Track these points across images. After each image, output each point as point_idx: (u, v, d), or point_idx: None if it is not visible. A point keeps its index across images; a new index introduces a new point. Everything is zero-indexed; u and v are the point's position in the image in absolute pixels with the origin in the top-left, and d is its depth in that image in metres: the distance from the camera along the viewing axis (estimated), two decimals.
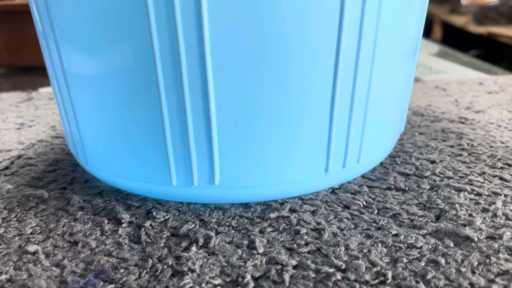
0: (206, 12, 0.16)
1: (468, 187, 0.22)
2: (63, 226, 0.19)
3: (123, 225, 0.19)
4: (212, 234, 0.18)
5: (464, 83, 0.41)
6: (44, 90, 0.43)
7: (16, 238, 0.19)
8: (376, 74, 0.19)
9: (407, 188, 0.22)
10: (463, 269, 0.16)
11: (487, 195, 0.21)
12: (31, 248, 0.18)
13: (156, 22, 0.16)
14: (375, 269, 0.16)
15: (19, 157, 0.26)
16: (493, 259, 0.17)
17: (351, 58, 0.18)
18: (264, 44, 0.16)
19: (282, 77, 0.17)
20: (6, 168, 0.25)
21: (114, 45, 0.17)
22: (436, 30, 1.56)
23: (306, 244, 0.18)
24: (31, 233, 0.19)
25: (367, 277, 0.16)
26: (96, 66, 0.18)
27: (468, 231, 0.18)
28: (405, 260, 0.17)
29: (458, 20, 1.47)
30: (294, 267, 0.16)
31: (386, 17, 0.18)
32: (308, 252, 0.17)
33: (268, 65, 0.17)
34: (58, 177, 0.24)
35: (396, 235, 0.18)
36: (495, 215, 0.19)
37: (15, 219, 0.20)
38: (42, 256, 0.17)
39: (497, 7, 1.43)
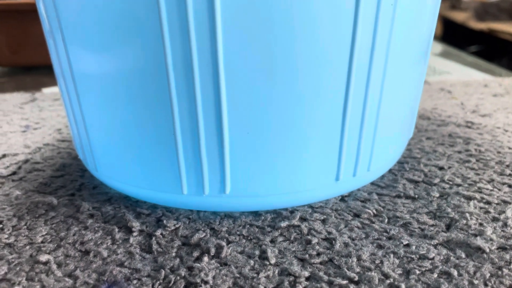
0: (220, 24, 0.16)
1: (477, 195, 0.22)
2: (73, 235, 0.19)
3: (134, 234, 0.19)
4: (224, 243, 0.18)
5: (469, 85, 0.41)
6: (47, 91, 0.43)
7: (27, 247, 0.18)
8: (388, 80, 0.19)
9: (416, 196, 0.22)
10: (475, 281, 0.16)
11: (497, 204, 0.21)
12: (43, 257, 0.18)
13: (169, 32, 0.16)
14: (388, 281, 0.16)
15: (26, 161, 0.26)
16: (505, 271, 0.17)
17: (363, 66, 0.18)
18: (276, 55, 0.16)
19: (294, 87, 0.17)
20: (14, 173, 0.25)
21: (125, 48, 0.17)
22: (436, 26, 1.55)
23: (318, 254, 0.18)
24: (42, 242, 0.19)
25: None
26: (105, 69, 0.18)
27: (479, 241, 0.18)
28: (417, 272, 0.17)
29: (459, 16, 1.46)
30: (307, 279, 0.16)
31: (400, 21, 0.18)
32: (320, 263, 0.17)
33: (280, 76, 0.17)
34: (66, 183, 0.24)
35: (408, 245, 0.18)
36: (505, 224, 0.19)
37: (25, 227, 0.20)
38: (54, 266, 0.17)
39: (497, 3, 1.43)
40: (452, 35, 1.45)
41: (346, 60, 0.17)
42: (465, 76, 0.45)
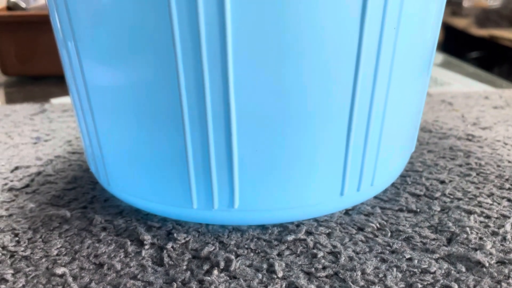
0: (230, 45, 0.16)
1: (477, 209, 0.22)
2: (87, 248, 0.20)
3: (146, 247, 0.20)
4: (232, 257, 0.19)
5: (470, 96, 0.41)
6: (56, 101, 0.44)
7: (43, 260, 0.19)
8: (392, 96, 0.20)
9: (418, 209, 0.23)
10: None
11: (496, 218, 0.22)
12: (59, 270, 0.18)
13: (181, 48, 0.17)
14: None
15: (38, 174, 0.27)
16: (504, 285, 0.17)
17: (368, 84, 0.19)
18: (285, 75, 0.17)
19: (301, 106, 0.18)
20: (27, 186, 0.26)
21: (138, 62, 0.18)
22: None
23: (324, 268, 0.18)
24: (57, 255, 0.20)
25: None
26: (118, 82, 0.19)
27: (479, 256, 0.19)
28: (419, 286, 0.17)
29: (460, 23, 1.47)
30: None
31: (402, 40, 0.19)
32: (326, 277, 0.18)
33: (288, 95, 0.18)
34: (79, 196, 0.25)
35: (410, 259, 0.19)
36: (504, 238, 0.20)
37: (41, 239, 0.21)
38: (70, 279, 0.18)
39: (498, 10, 1.43)
40: (453, 41, 1.45)
41: (351, 80, 0.18)
42: (466, 87, 0.46)
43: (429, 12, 0.20)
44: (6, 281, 0.18)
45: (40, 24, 0.49)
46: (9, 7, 0.54)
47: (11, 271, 0.18)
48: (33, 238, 0.21)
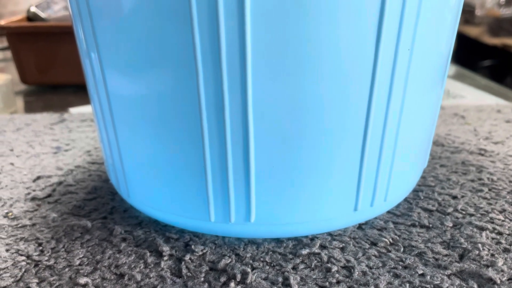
0: (250, 62, 0.17)
1: (489, 226, 0.23)
2: (108, 258, 0.21)
3: (164, 258, 0.21)
4: (248, 270, 0.20)
5: (483, 110, 0.42)
6: (74, 111, 0.45)
7: (67, 269, 0.20)
8: (406, 112, 0.20)
9: (430, 225, 0.23)
10: None
11: (508, 234, 0.22)
12: (82, 280, 0.19)
13: (202, 63, 0.17)
14: None
15: (59, 183, 0.28)
16: None
17: (383, 100, 0.19)
18: (302, 93, 0.18)
19: (317, 123, 0.18)
20: (49, 195, 0.27)
21: (159, 75, 0.18)
22: None
23: (338, 282, 0.19)
24: (80, 264, 0.20)
25: None
26: (139, 95, 0.19)
27: (491, 272, 0.19)
28: None
29: (472, 31, 1.46)
30: None
31: (417, 61, 0.19)
32: None
33: (304, 113, 0.18)
34: (99, 206, 0.25)
35: (423, 275, 0.19)
36: None
37: (63, 249, 0.21)
38: None
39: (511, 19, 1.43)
40: (466, 50, 1.45)
41: (366, 95, 0.18)
42: (478, 100, 0.46)
43: (444, 26, 0.20)
44: None
45: (59, 35, 0.50)
46: (29, 18, 0.55)
47: (36, 280, 0.19)
48: (56, 248, 0.22)
